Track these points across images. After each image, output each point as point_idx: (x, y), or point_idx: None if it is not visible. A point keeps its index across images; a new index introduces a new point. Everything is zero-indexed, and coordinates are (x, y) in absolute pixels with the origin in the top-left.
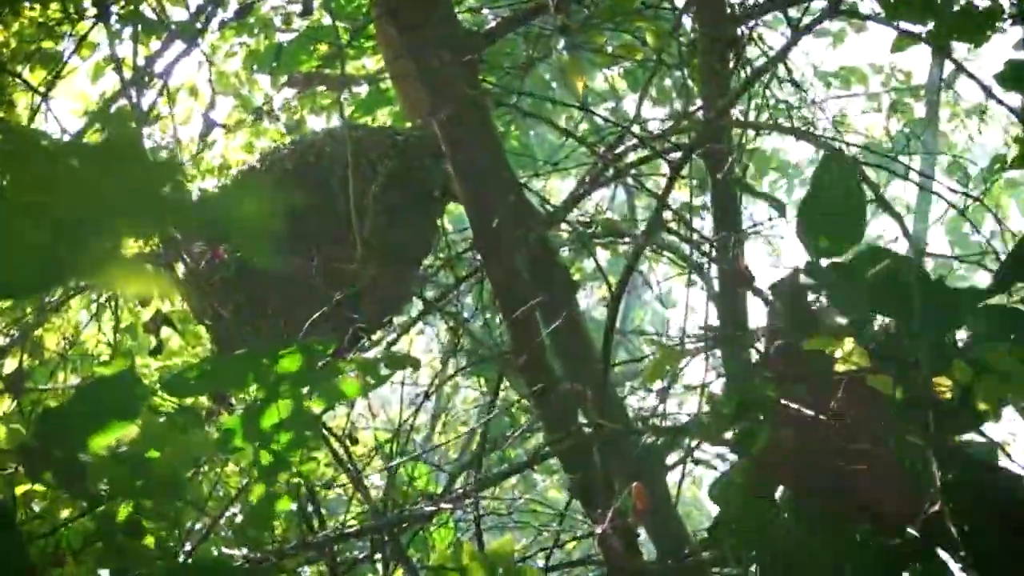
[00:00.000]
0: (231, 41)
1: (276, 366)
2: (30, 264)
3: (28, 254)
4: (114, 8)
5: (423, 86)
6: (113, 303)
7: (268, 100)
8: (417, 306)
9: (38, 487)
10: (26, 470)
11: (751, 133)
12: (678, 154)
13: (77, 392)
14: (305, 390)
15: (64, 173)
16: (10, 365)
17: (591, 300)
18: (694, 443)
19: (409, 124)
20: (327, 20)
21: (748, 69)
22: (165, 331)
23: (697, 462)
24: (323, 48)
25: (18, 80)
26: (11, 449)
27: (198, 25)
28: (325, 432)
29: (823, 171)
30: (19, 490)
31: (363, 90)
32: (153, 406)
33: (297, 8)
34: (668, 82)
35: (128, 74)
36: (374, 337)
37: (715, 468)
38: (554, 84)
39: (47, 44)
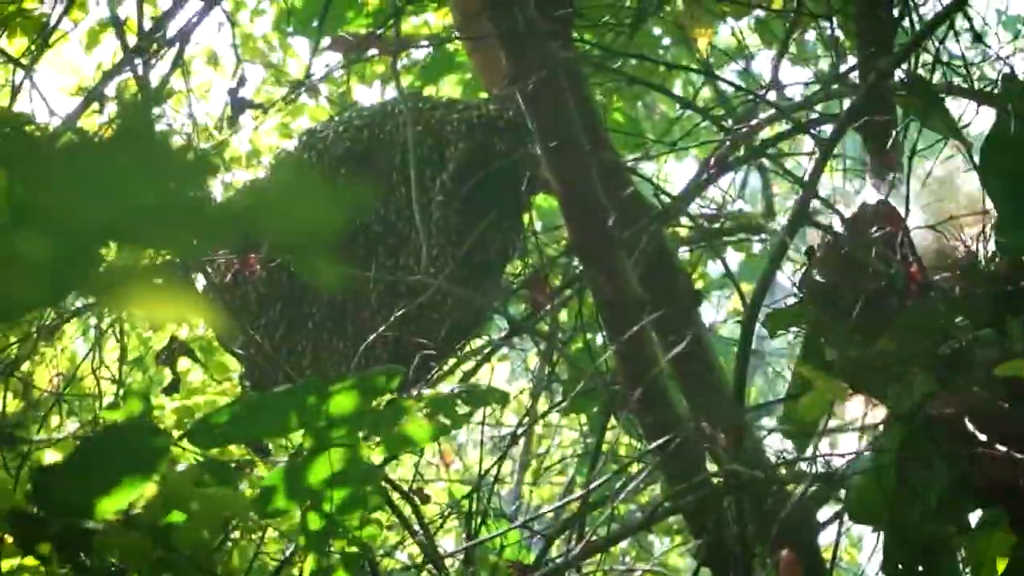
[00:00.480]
0: None
1: (326, 406)
2: (26, 281)
3: (24, 269)
4: None
5: (502, 48)
6: (118, 328)
7: (307, 70)
8: (500, 325)
9: (29, 560)
10: (18, 540)
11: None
12: (828, 127)
13: (81, 444)
14: (363, 435)
15: (68, 172)
16: None
17: (718, 314)
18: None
19: (485, 95)
20: None
21: (916, 18)
22: (183, 363)
23: None
24: (374, 3)
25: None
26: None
27: None
28: (387, 487)
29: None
30: (6, 565)
31: (425, 54)
32: (174, 459)
33: None
34: (811, 36)
35: (132, 41)
36: (445, 366)
37: None
38: (667, 41)
39: (29, 3)
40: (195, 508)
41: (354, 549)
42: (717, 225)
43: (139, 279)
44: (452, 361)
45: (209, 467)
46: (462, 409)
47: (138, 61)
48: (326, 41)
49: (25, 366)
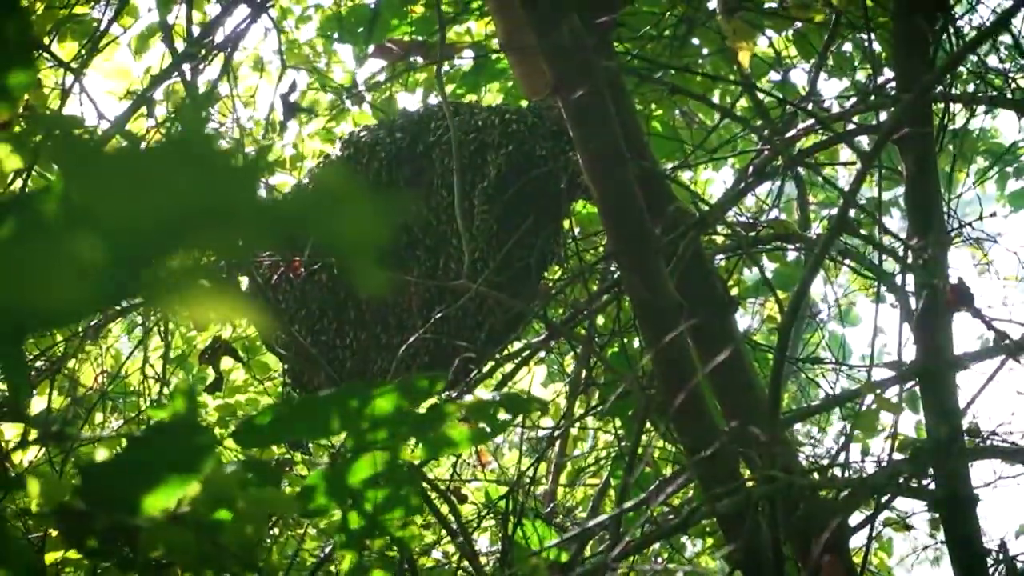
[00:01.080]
0: (304, 3)
1: (368, 409)
2: (81, 284)
3: (79, 272)
4: None
5: (544, 58)
6: (162, 327)
7: (352, 76)
8: (539, 328)
9: (72, 553)
10: (64, 534)
11: (955, 109)
12: (865, 138)
13: (128, 442)
14: (403, 438)
15: (122, 175)
16: (37, 404)
17: (752, 320)
18: (884, 498)
19: (525, 102)
20: None
21: (954, 30)
22: (226, 362)
23: (889, 523)
24: (418, 10)
25: (46, 55)
26: (48, 511)
27: None
28: (425, 486)
29: None
30: (49, 558)
31: (467, 61)
32: (219, 458)
33: None
34: (849, 47)
35: (180, 46)
36: (484, 368)
37: (910, 528)
38: (705, 51)
39: (80, 9)
40: (240, 506)
41: (393, 548)
42: (753, 233)
43: (186, 281)
44: (491, 364)
45: (253, 466)
46: (502, 416)
47: (186, 66)
48: (371, 48)
49: (71, 363)
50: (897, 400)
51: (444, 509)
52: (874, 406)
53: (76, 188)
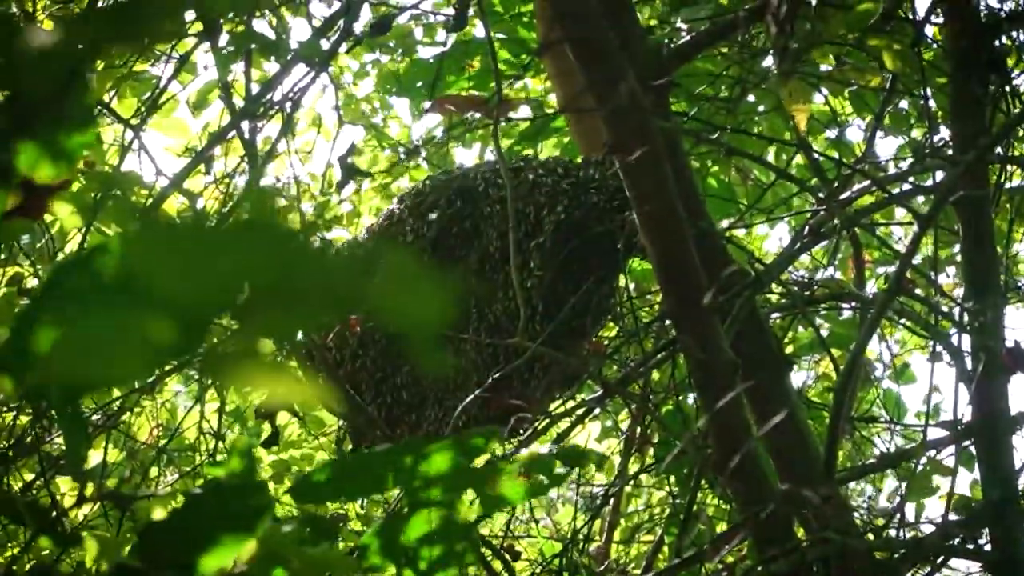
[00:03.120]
0: (361, 59)
1: (423, 466)
2: (137, 356)
3: (138, 345)
4: (223, 24)
5: (602, 117)
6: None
7: (408, 132)
8: (592, 389)
9: None
10: None
11: (1012, 169)
12: (921, 198)
13: (185, 501)
14: (459, 494)
15: (186, 251)
16: (94, 457)
17: (807, 378)
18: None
19: (582, 159)
20: (479, 31)
21: (1011, 89)
22: (282, 416)
23: None
24: (476, 66)
25: (105, 111)
26: (105, 570)
27: (325, 44)
28: (478, 542)
29: None
30: None
31: (524, 115)
32: (274, 516)
33: (444, 18)
34: (904, 104)
35: (239, 103)
36: (539, 425)
37: None
38: (761, 108)
39: (139, 67)
40: (296, 566)
41: None
42: (808, 292)
43: (242, 357)
44: (546, 421)
45: (310, 522)
46: (560, 470)
47: (245, 124)
48: (427, 104)
49: (126, 417)
50: (953, 460)
51: (498, 565)
52: (928, 467)
53: (137, 256)
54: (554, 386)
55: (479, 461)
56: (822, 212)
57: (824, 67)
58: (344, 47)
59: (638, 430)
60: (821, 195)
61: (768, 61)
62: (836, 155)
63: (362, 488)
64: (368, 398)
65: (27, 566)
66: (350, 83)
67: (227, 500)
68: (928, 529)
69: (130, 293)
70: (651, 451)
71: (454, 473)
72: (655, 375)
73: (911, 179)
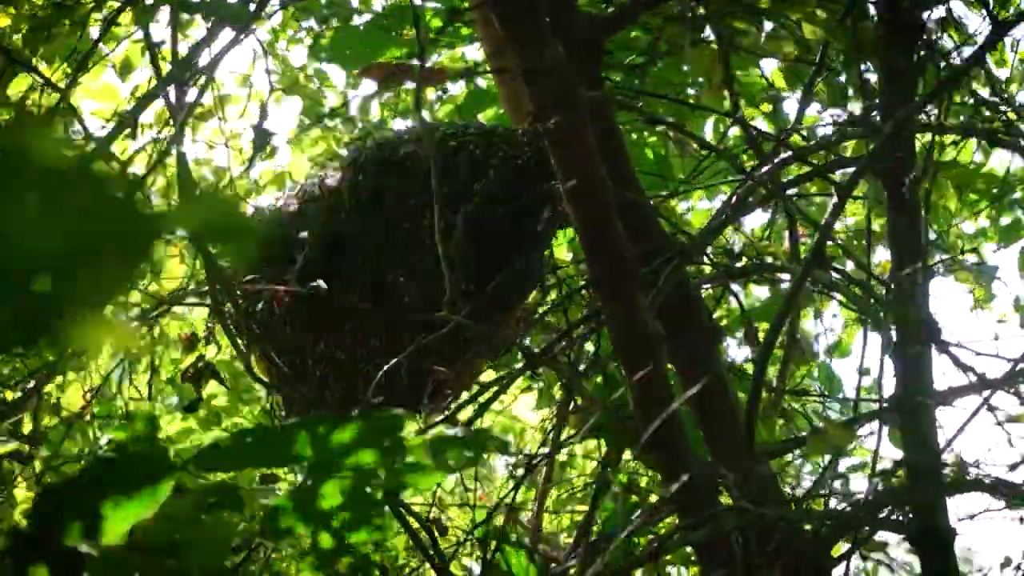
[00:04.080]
0: (295, 26)
1: (333, 438)
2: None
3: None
4: None
5: (525, 82)
6: (152, 351)
7: (345, 99)
8: (517, 358)
9: None
10: (13, 561)
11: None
12: (848, 170)
13: (85, 465)
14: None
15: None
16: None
17: (741, 351)
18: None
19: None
20: None
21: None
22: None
23: (866, 556)
24: (410, 33)
25: (35, 75)
26: None
27: (252, 6)
28: (404, 512)
29: None
30: None
31: (462, 88)
32: (183, 483)
33: None
34: (844, 78)
35: (167, 68)
36: (462, 394)
37: (890, 563)
38: (697, 81)
39: (65, 31)
40: (196, 532)
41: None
42: (740, 264)
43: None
44: (475, 389)
45: (218, 490)
46: (467, 452)
47: (171, 88)
48: (356, 71)
49: (58, 382)
50: (877, 433)
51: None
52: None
53: None
54: (481, 356)
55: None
56: (748, 183)
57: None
58: (269, 10)
59: (569, 400)
60: (747, 167)
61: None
62: (772, 128)
63: (271, 458)
64: (299, 368)
65: None
66: (284, 49)
67: (129, 464)
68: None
69: None
70: (582, 421)
71: (363, 448)
72: (589, 345)
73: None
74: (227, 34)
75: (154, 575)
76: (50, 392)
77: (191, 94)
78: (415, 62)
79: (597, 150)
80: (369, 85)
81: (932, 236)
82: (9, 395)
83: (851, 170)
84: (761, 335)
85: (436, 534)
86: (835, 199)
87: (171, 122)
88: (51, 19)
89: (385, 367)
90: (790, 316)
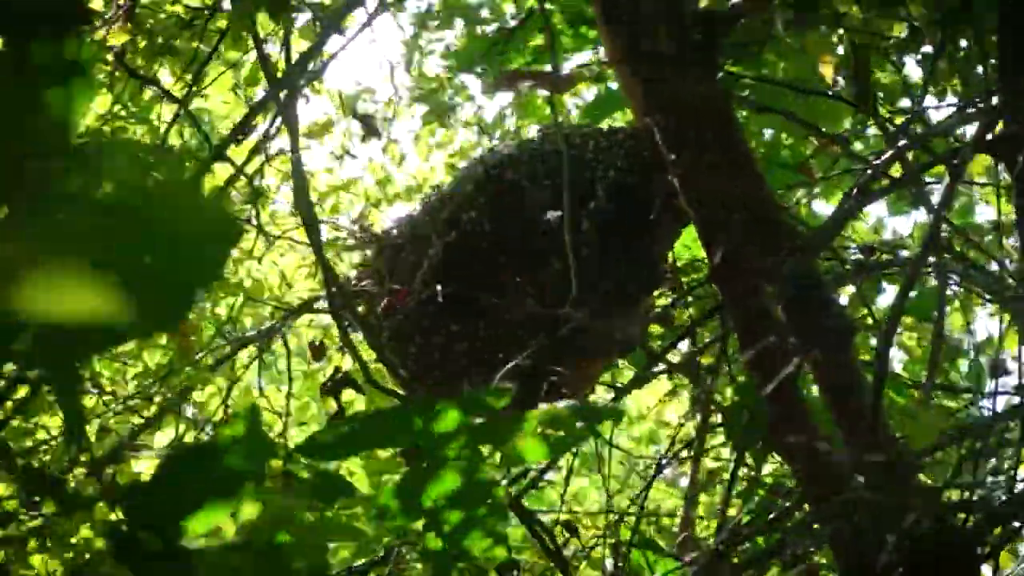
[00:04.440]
0: (430, 38)
1: (434, 423)
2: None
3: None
4: None
5: (638, 81)
6: (286, 362)
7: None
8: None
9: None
10: (116, 557)
11: None
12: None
13: (163, 463)
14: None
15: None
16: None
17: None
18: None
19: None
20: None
21: None
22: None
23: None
24: (536, 41)
25: (155, 88)
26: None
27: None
28: (532, 518)
29: None
30: None
31: (595, 93)
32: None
33: None
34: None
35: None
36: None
37: None
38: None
39: (185, 44)
40: (298, 529)
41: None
42: (873, 257)
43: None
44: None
45: (323, 479)
46: (579, 427)
47: (283, 96)
48: (489, 81)
49: (197, 395)
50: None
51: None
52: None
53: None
54: (601, 355)
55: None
56: (868, 172)
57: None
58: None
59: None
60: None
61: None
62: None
63: (371, 444)
64: (421, 368)
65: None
66: (419, 61)
67: (208, 465)
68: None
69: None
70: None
71: (470, 429)
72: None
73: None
74: (336, 42)
75: (258, 573)
76: (192, 404)
77: (302, 103)
78: (547, 68)
79: (714, 143)
80: (505, 94)
81: None
82: (148, 409)
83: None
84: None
85: (568, 537)
86: (946, 181)
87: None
88: (170, 33)
89: (507, 366)
90: (905, 301)
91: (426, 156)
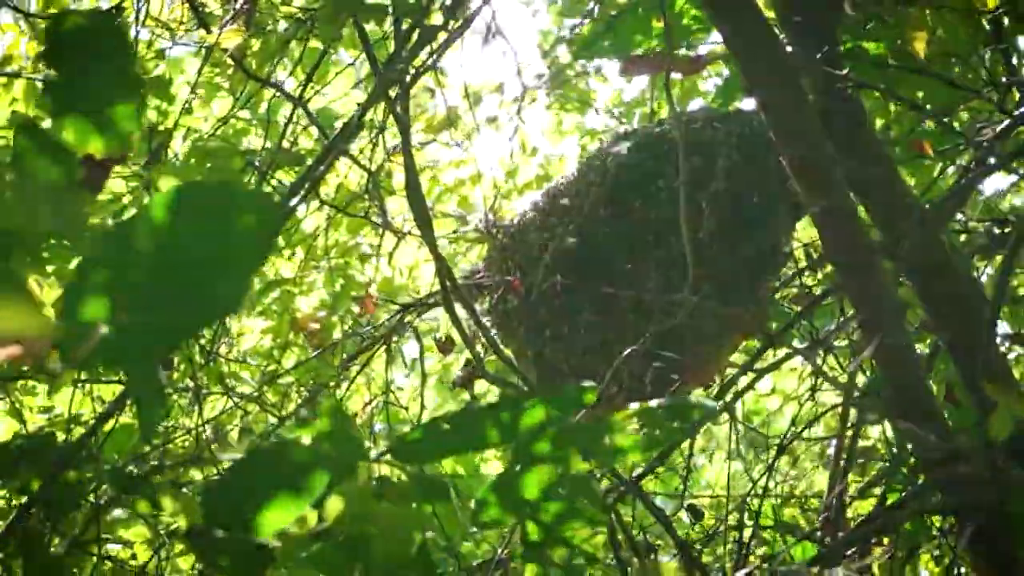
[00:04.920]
0: (561, 24)
1: (522, 421)
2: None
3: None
4: None
5: (737, 61)
6: (418, 358)
7: (619, 94)
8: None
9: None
10: (198, 556)
11: None
12: None
13: (239, 461)
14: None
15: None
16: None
17: None
18: None
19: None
20: None
21: None
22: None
23: None
24: (659, 26)
25: (272, 87)
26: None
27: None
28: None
29: None
30: None
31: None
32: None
33: None
34: None
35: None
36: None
37: None
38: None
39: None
40: (379, 524)
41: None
42: (1007, 230)
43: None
44: (731, 374)
45: (419, 481)
46: (675, 423)
47: (393, 91)
48: (623, 63)
49: (342, 392)
50: None
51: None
52: None
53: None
54: (724, 343)
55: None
56: (984, 148)
57: None
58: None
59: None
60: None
61: None
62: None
63: (462, 444)
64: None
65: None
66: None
67: (282, 460)
68: None
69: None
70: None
71: (560, 427)
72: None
73: None
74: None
75: (340, 565)
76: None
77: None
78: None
79: (827, 124)
80: (639, 78)
81: None
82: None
83: None
84: None
85: (694, 520)
86: None
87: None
88: (285, 35)
89: (626, 352)
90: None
91: (557, 143)
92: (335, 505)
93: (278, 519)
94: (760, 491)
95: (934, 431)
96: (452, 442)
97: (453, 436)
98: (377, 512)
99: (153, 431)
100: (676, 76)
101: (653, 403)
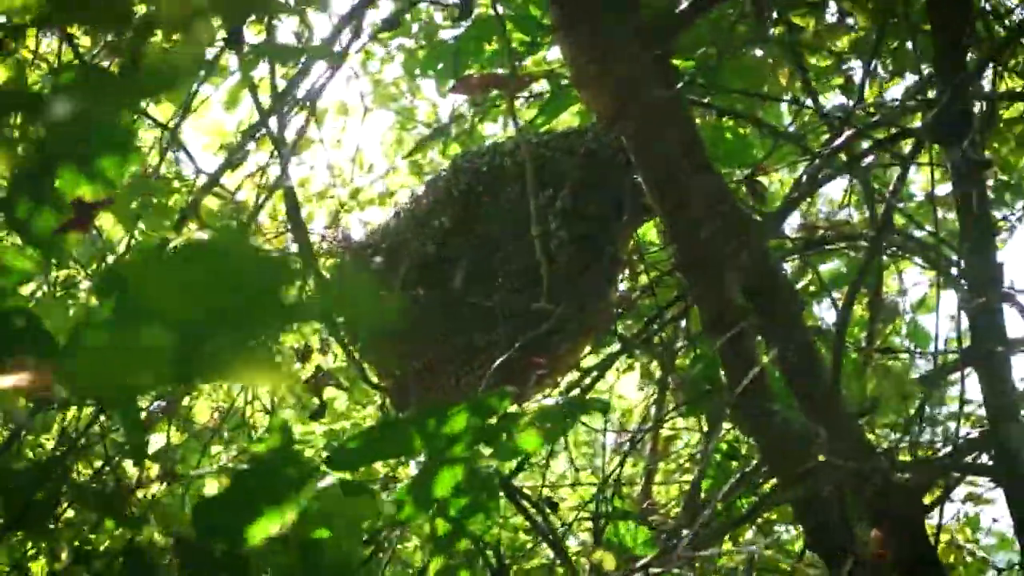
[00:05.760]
0: (387, 45)
1: (444, 426)
2: (150, 365)
3: (148, 356)
4: (248, 34)
5: (604, 89)
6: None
7: (436, 111)
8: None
9: None
10: (183, 568)
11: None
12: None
13: (235, 477)
14: (478, 449)
15: (179, 276)
16: (157, 441)
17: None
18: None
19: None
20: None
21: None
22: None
23: (970, 497)
24: (493, 46)
25: (144, 117)
26: (166, 545)
27: (338, 48)
28: (518, 496)
29: None
30: None
31: (545, 89)
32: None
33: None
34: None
35: (267, 101)
36: (565, 379)
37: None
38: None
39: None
40: (338, 523)
41: (481, 549)
42: (820, 234)
43: (250, 363)
44: (577, 375)
45: (349, 488)
46: (567, 419)
47: (273, 120)
48: (451, 83)
49: (187, 402)
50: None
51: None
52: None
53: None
54: (575, 346)
55: (495, 418)
56: (817, 161)
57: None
58: (357, 45)
59: (667, 377)
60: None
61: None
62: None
63: (392, 451)
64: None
65: (101, 547)
66: (377, 69)
67: (270, 474)
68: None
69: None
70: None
71: (472, 430)
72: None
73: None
74: (321, 66)
75: (300, 569)
76: (185, 408)
77: (292, 126)
78: (501, 71)
79: (675, 142)
80: (460, 96)
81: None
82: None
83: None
84: None
85: (549, 512)
86: (899, 171)
87: (274, 152)
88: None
89: (497, 360)
90: (864, 278)
91: (392, 160)
92: (291, 514)
93: (268, 527)
94: (611, 483)
95: (775, 423)
96: (383, 448)
97: (384, 442)
98: (336, 513)
99: (141, 450)
100: (495, 92)
101: (549, 402)
